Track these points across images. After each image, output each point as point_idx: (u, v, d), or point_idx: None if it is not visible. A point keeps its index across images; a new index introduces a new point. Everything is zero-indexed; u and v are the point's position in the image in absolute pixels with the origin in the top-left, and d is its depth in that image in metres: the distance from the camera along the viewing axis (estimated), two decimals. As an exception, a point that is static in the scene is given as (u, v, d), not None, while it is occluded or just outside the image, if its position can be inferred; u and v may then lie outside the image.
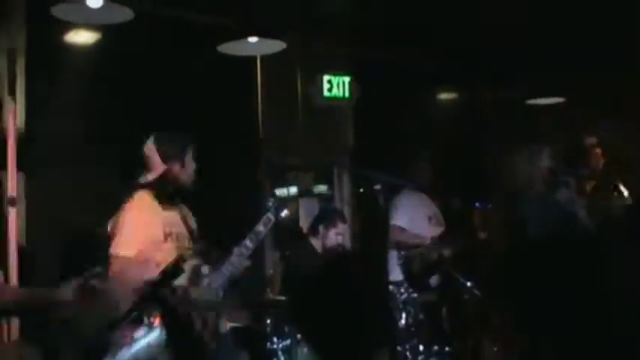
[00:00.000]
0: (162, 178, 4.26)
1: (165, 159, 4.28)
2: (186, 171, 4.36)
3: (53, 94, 5.43)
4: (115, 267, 3.99)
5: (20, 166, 5.13)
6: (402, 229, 6.49)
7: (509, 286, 1.83)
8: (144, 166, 4.32)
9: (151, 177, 4.28)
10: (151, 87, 5.82)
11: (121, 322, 2.62)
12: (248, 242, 4.45)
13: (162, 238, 4.18)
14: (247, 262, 4.44)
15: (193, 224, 4.46)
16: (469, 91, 8.88)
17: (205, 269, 4.07)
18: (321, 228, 6.07)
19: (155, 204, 4.25)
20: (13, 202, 5.08)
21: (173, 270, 2.64)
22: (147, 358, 3.06)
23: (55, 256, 5.25)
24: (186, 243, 4.30)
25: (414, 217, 6.57)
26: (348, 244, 6.91)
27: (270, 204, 4.72)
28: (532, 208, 5.67)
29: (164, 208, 4.27)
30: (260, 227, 4.56)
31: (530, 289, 1.76)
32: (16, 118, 5.14)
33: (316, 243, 6.05)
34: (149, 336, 3.01)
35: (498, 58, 7.61)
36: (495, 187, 8.15)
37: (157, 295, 2.55)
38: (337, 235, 6.04)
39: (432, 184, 6.75)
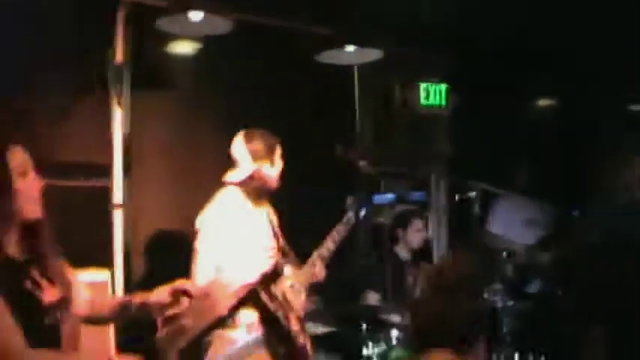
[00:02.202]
0: (252, 177, 4.32)
1: (254, 158, 4.33)
2: (274, 171, 4.40)
3: (157, 103, 5.60)
4: (196, 264, 3.98)
5: (125, 173, 5.31)
6: (496, 236, 6.46)
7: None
8: (234, 164, 4.40)
9: (240, 176, 4.32)
10: (249, 97, 5.94)
11: (220, 323, 2.69)
12: (329, 244, 4.48)
13: (250, 238, 4.21)
14: (322, 274, 4.45)
15: (276, 227, 4.49)
16: (567, 97, 8.71)
17: (289, 271, 4.06)
18: (399, 232, 6.10)
19: (245, 203, 4.30)
20: (118, 207, 5.27)
21: (273, 273, 2.71)
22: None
23: (159, 260, 5.42)
24: (272, 244, 4.33)
25: (509, 223, 6.51)
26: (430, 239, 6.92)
27: (350, 203, 4.71)
28: (626, 216, 5.54)
29: (253, 207, 4.33)
30: (340, 227, 4.58)
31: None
32: (121, 128, 5.32)
33: (399, 250, 6.06)
34: (248, 338, 3.09)
35: (596, 62, 7.46)
36: (594, 193, 7.98)
37: (257, 298, 2.62)
38: (418, 232, 6.04)
39: (531, 189, 6.67)
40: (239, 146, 4.37)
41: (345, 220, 4.62)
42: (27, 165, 2.69)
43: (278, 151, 4.45)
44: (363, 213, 4.66)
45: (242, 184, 4.34)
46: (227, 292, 2.65)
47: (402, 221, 6.16)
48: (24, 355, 2.50)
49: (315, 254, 4.51)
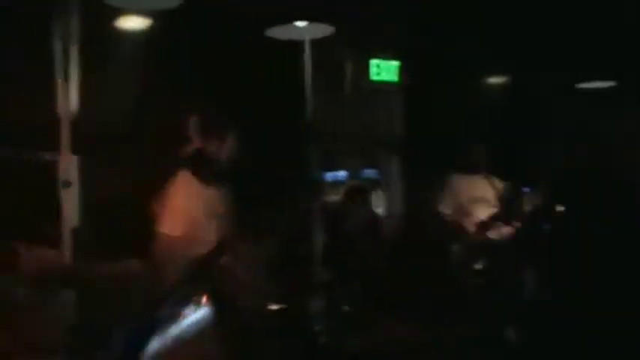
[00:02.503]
0: (200, 154, 4.33)
1: (203, 136, 4.34)
2: (224, 150, 4.41)
3: (105, 78, 5.53)
4: (160, 245, 4.04)
5: (74, 150, 5.24)
6: (446, 215, 6.52)
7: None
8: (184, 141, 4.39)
9: (189, 153, 4.35)
10: (199, 72, 5.90)
11: (169, 299, 2.68)
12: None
13: (203, 216, 4.23)
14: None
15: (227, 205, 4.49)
16: (518, 76, 8.80)
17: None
18: (347, 202, 6.19)
19: (197, 182, 4.31)
20: (67, 184, 5.19)
21: (221, 248, 2.69)
22: (194, 336, 3.12)
23: (108, 238, 5.36)
24: (225, 222, 4.34)
25: (458, 202, 6.57)
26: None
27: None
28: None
29: (205, 187, 4.34)
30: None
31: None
32: (69, 103, 5.24)
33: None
34: (197, 313, 3.08)
35: (545, 40, 7.55)
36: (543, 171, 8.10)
37: (206, 273, 2.61)
38: (363, 206, 6.16)
39: (485, 167, 6.73)
40: (190, 125, 4.38)
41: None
42: None
43: (229, 132, 4.46)
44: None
45: (192, 162, 4.34)
46: (178, 266, 2.63)
47: (350, 194, 6.23)
48: None
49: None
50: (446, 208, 6.61)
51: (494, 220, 6.43)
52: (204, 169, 4.34)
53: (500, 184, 6.85)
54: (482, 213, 6.58)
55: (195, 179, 4.32)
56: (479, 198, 6.69)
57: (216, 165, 4.38)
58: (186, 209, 4.19)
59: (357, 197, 6.25)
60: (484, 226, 6.39)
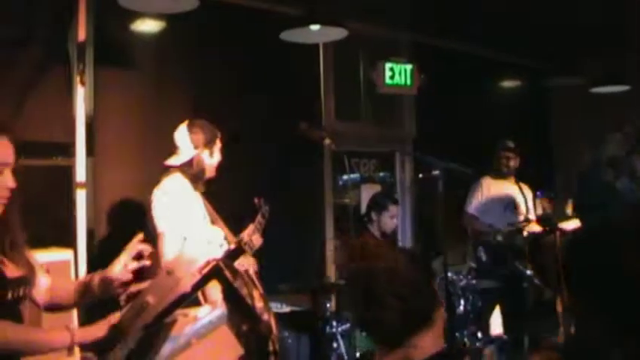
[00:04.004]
0: (191, 163, 4.49)
1: (195, 146, 4.49)
2: (212, 160, 4.58)
3: (120, 82, 5.55)
4: (162, 244, 4.20)
5: (89, 153, 5.27)
6: (474, 217, 6.53)
7: (572, 276, 1.82)
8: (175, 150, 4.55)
9: (179, 161, 4.50)
10: (214, 75, 5.91)
11: (183, 300, 2.68)
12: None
13: (199, 215, 4.44)
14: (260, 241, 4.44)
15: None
16: (535, 78, 8.77)
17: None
18: (373, 214, 6.14)
19: (187, 186, 4.48)
20: (82, 186, 5.22)
21: (236, 250, 2.71)
22: (208, 337, 3.12)
23: (123, 240, 5.38)
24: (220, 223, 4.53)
25: (487, 205, 6.58)
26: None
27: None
28: (592, 197, 5.61)
29: (193, 190, 4.51)
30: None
31: (590, 279, 1.75)
32: (85, 106, 5.27)
33: (373, 230, 6.10)
34: (211, 315, 3.08)
35: (566, 44, 7.53)
36: (560, 176, 8.07)
37: (220, 275, 2.61)
38: (391, 219, 6.10)
39: (514, 171, 6.75)
40: (182, 133, 4.55)
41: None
42: (9, 157, 2.66)
43: (218, 143, 4.63)
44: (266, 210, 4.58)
45: (182, 169, 4.47)
46: (190, 269, 2.63)
47: (378, 204, 6.20)
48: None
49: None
50: (472, 210, 6.62)
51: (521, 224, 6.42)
52: (193, 175, 4.43)
53: (528, 189, 6.88)
54: (512, 217, 6.60)
55: (186, 179, 4.48)
56: (509, 202, 6.71)
57: (202, 173, 4.55)
58: (181, 207, 4.34)
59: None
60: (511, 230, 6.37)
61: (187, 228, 4.27)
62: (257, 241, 4.22)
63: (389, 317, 2.19)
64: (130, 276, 2.95)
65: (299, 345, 5.13)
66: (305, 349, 5.14)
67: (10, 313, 2.64)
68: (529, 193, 6.89)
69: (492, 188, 6.79)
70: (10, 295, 2.65)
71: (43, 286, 2.97)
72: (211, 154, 4.58)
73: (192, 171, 4.51)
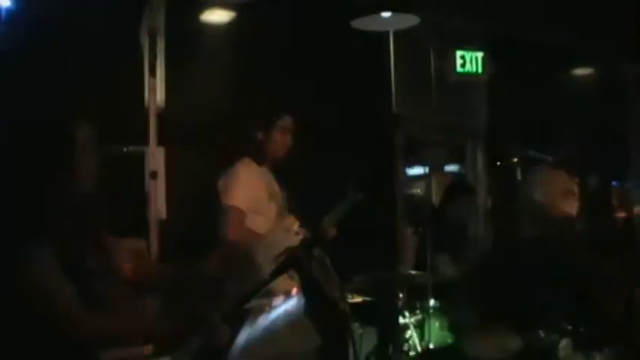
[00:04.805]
0: (260, 146, 4.50)
1: (264, 129, 4.50)
2: (281, 143, 4.55)
3: (191, 72, 5.57)
4: (233, 218, 4.26)
5: (161, 142, 5.30)
6: (540, 204, 6.37)
7: None
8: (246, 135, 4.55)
9: (250, 144, 4.52)
10: (285, 64, 5.89)
11: (262, 289, 2.65)
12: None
13: (267, 197, 4.44)
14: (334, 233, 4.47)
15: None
16: (609, 66, 8.56)
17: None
18: (449, 201, 6.06)
19: (257, 167, 4.52)
20: (154, 176, 5.25)
21: (314, 239, 2.66)
22: (284, 327, 3.09)
23: (195, 229, 5.40)
24: (284, 206, 4.52)
25: (549, 193, 6.42)
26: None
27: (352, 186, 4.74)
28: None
29: (263, 171, 4.54)
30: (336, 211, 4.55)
31: None
32: (156, 96, 5.29)
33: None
34: (287, 304, 3.05)
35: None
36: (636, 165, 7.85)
37: (298, 264, 2.57)
38: (466, 206, 6.02)
39: (574, 160, 6.56)
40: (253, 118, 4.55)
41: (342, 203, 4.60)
42: (91, 141, 2.65)
43: (283, 124, 4.57)
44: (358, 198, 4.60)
45: (250, 154, 4.50)
46: (269, 256, 2.61)
47: (454, 194, 6.12)
48: (84, 319, 2.50)
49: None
50: (542, 198, 6.45)
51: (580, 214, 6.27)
52: (261, 158, 4.48)
53: (583, 179, 6.70)
54: (570, 207, 6.43)
55: (255, 164, 4.51)
56: (567, 191, 6.54)
57: (270, 155, 4.55)
58: (251, 185, 4.39)
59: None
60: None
61: (256, 209, 4.33)
62: (332, 232, 4.21)
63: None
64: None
65: (368, 336, 5.08)
66: (373, 340, 5.09)
67: (95, 303, 2.64)
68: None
69: (550, 178, 6.59)
70: (97, 288, 2.65)
71: (127, 264, 2.96)
72: (276, 135, 4.56)
73: (259, 154, 4.53)
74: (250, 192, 4.37)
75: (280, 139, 4.55)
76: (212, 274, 2.90)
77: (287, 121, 4.57)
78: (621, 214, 6.30)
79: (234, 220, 4.29)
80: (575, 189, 6.54)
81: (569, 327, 5.48)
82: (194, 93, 5.64)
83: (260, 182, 4.48)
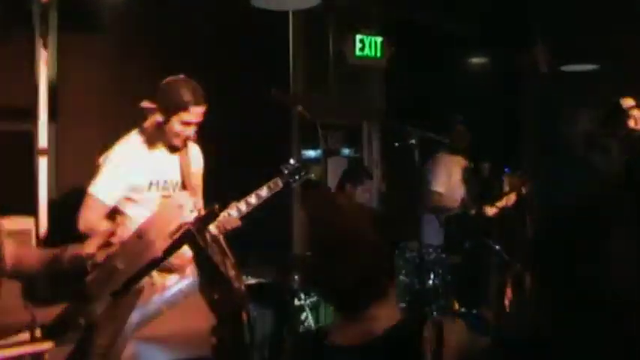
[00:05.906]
0: (155, 127, 4.25)
1: (161, 111, 4.20)
2: (179, 127, 4.21)
3: (85, 45, 5.41)
4: (87, 204, 4.11)
5: (51, 117, 5.13)
6: (440, 194, 6.46)
7: (540, 252, 1.76)
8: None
9: (145, 125, 4.29)
10: (180, 39, 5.79)
11: (154, 266, 2.58)
12: (244, 203, 4.43)
13: (145, 185, 4.19)
14: (238, 223, 4.41)
15: (196, 169, 4.45)
16: (504, 54, 8.75)
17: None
18: (348, 186, 6.07)
19: (143, 149, 4.25)
20: (43, 153, 5.09)
21: (208, 215, 2.60)
22: (178, 306, 3.04)
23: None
24: (176, 190, 4.29)
25: (450, 182, 6.53)
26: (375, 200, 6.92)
27: (286, 169, 4.71)
28: (562, 173, 5.60)
29: (156, 150, 4.29)
30: (263, 192, 4.54)
31: (558, 256, 1.68)
32: (47, 70, 5.13)
33: None
34: (181, 283, 3.00)
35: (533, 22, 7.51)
36: (528, 152, 8.06)
37: (192, 241, 2.51)
38: (364, 192, 6.04)
39: (468, 147, 6.69)
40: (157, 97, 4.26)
41: (270, 184, 4.58)
42: None
43: (187, 111, 4.20)
44: (296, 179, 4.59)
45: (146, 131, 4.29)
46: (162, 233, 2.54)
47: (353, 177, 6.13)
48: None
49: (232, 204, 4.47)
50: (439, 187, 6.53)
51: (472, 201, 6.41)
52: (155, 138, 4.25)
53: (476, 165, 6.84)
54: (466, 194, 6.56)
55: (143, 145, 4.27)
56: (463, 179, 6.67)
57: (166, 138, 4.27)
58: (123, 177, 4.17)
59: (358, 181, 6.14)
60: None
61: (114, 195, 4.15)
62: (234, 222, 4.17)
63: (346, 281, 2.13)
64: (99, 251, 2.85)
65: (264, 317, 5.07)
66: (268, 322, 5.08)
67: None
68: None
69: (450, 164, 6.71)
70: None
71: (6, 252, 2.86)
72: (179, 119, 4.18)
73: (158, 134, 4.26)
74: (118, 184, 4.17)
75: (180, 129, 4.20)
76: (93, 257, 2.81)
77: (194, 112, 4.20)
78: (512, 200, 6.45)
79: (88, 206, 4.16)
80: (468, 176, 6.69)
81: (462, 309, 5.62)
82: (88, 68, 5.48)
83: (139, 169, 4.21)
